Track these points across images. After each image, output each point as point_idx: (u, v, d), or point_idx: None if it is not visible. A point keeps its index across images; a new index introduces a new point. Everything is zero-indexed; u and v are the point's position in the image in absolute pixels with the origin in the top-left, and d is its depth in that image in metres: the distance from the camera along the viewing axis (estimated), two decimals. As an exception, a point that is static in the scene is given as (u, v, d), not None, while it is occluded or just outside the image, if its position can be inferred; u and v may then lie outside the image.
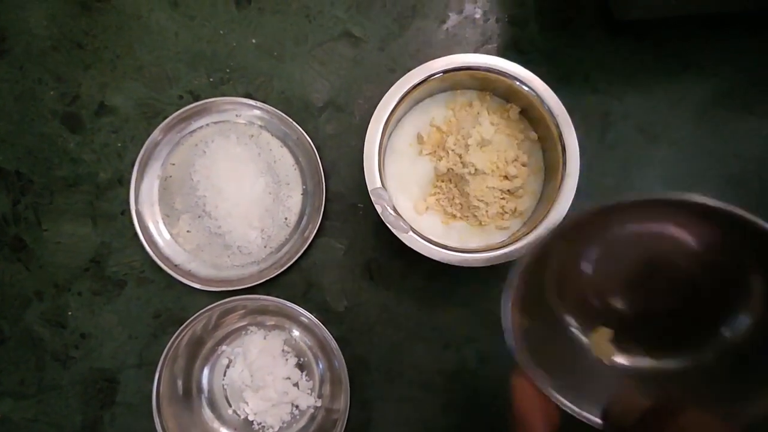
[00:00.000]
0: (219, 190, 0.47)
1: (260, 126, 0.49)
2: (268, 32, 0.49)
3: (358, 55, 0.49)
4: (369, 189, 0.42)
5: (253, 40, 0.49)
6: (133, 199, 0.47)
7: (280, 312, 0.46)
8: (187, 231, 0.48)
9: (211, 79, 0.49)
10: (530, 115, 0.46)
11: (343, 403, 0.44)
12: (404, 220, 0.42)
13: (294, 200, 0.48)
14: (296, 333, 0.48)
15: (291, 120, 0.47)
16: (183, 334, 0.44)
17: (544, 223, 0.42)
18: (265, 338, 0.47)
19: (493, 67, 0.43)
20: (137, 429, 0.47)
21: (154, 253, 0.46)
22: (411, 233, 0.42)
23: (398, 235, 0.42)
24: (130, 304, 0.48)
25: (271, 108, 0.47)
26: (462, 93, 0.47)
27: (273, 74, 0.49)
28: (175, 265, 0.47)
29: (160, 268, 0.46)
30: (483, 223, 0.46)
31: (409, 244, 0.42)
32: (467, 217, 0.46)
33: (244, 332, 0.48)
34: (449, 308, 0.48)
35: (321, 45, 0.49)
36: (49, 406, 0.47)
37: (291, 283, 0.48)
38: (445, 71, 0.43)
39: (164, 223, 0.48)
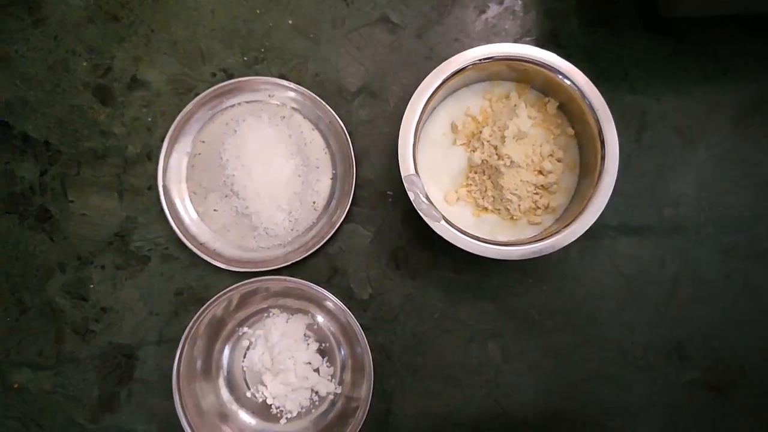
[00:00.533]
0: (248, 170, 0.46)
1: (293, 108, 0.48)
2: (305, 13, 0.49)
3: (395, 41, 0.49)
4: (402, 175, 0.42)
5: (290, 21, 0.49)
6: (161, 175, 0.46)
7: (304, 295, 0.46)
8: (214, 210, 0.47)
9: (245, 58, 0.48)
10: (568, 109, 0.45)
11: (365, 391, 0.44)
12: (436, 208, 0.42)
13: (323, 184, 0.48)
14: (320, 317, 0.47)
15: (324, 103, 0.47)
16: (205, 313, 0.44)
17: (579, 220, 0.42)
18: (287, 321, 0.47)
19: (534, 58, 0.43)
20: (153, 406, 0.46)
21: (179, 230, 0.46)
22: (443, 222, 0.42)
23: (430, 224, 0.41)
24: (152, 281, 0.47)
25: (306, 90, 0.47)
26: (499, 84, 0.47)
27: (308, 56, 0.48)
28: (201, 244, 0.46)
29: (185, 246, 0.46)
30: (515, 218, 0.45)
31: (440, 233, 0.41)
32: (499, 210, 0.45)
33: (266, 314, 0.47)
34: (475, 302, 0.47)
35: (358, 29, 0.49)
36: (67, 379, 0.47)
37: (316, 267, 0.47)
38: (485, 60, 0.43)
39: (191, 200, 0.47)
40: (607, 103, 0.42)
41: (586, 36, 0.49)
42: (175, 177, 0.47)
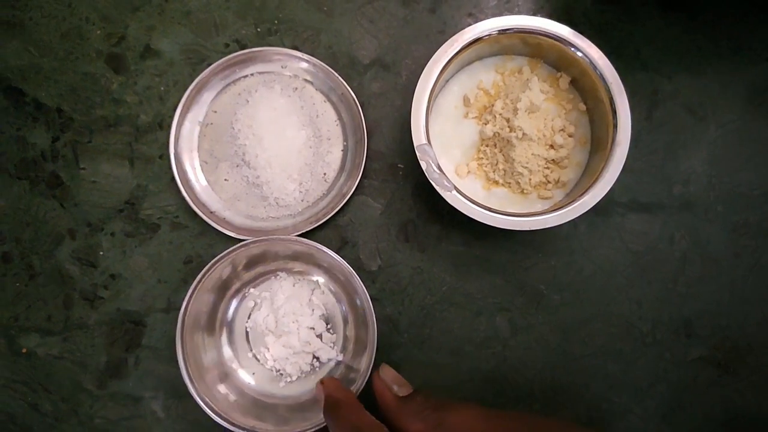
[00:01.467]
0: (260, 140, 0.46)
1: (305, 80, 0.48)
2: (319, -14, 0.49)
3: (408, 14, 0.49)
4: (415, 145, 0.42)
5: (304, -7, 0.49)
6: (173, 143, 0.46)
7: (312, 259, 0.46)
8: (225, 179, 0.47)
9: (259, 30, 0.49)
10: (581, 85, 0.45)
11: (365, 362, 0.43)
12: (448, 178, 0.42)
13: (334, 156, 0.48)
14: (326, 283, 0.47)
15: (337, 75, 0.47)
16: (213, 268, 0.43)
17: (590, 192, 0.42)
18: (294, 285, 0.47)
19: (548, 31, 0.43)
20: (160, 373, 0.47)
21: (190, 198, 0.46)
22: (454, 192, 0.42)
23: (441, 193, 0.41)
24: (161, 248, 0.47)
25: (318, 62, 0.47)
26: (512, 59, 0.47)
27: (321, 28, 0.49)
28: (211, 212, 0.46)
29: (194, 215, 0.46)
30: (525, 192, 0.45)
31: (451, 203, 0.41)
32: (509, 183, 0.45)
33: (273, 277, 0.47)
34: (484, 275, 0.47)
35: (371, 2, 0.49)
36: (75, 345, 0.47)
37: (326, 238, 0.47)
38: (499, 32, 0.43)
39: (202, 169, 0.47)
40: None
41: (599, 13, 0.49)
42: (187, 146, 0.47)
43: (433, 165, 0.42)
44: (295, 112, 0.47)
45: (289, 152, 0.47)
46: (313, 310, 0.46)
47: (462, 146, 0.46)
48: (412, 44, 0.48)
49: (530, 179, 0.45)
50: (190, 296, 0.43)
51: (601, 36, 0.48)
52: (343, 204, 0.46)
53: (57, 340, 0.47)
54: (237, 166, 0.47)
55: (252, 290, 0.47)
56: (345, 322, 0.47)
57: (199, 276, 0.43)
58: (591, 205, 0.41)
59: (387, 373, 0.41)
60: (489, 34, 0.43)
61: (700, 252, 0.47)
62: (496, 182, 0.46)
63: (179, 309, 0.43)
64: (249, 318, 0.47)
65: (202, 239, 0.47)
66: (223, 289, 0.46)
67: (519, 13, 0.49)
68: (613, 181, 0.41)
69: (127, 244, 0.47)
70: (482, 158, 0.46)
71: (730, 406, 0.46)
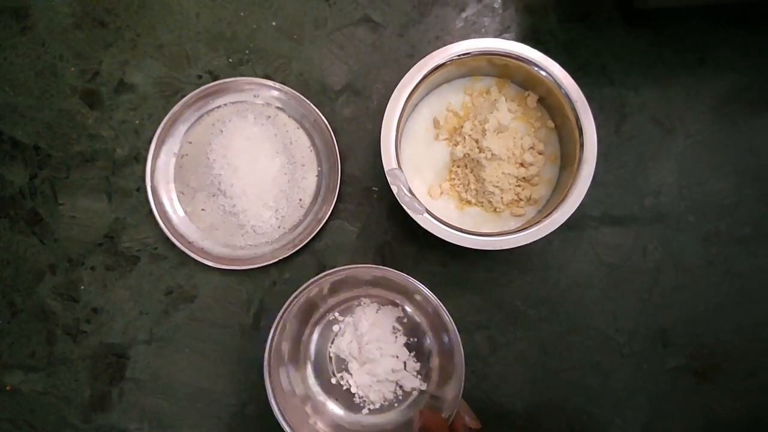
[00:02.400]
0: (235, 169, 0.47)
1: (277, 107, 0.49)
2: (288, 15, 0.49)
3: (377, 40, 0.49)
4: (385, 169, 0.42)
5: (273, 23, 0.49)
6: (149, 175, 0.47)
7: (393, 285, 0.45)
8: (202, 209, 0.48)
9: (230, 60, 0.49)
10: (548, 103, 0.46)
11: (453, 390, 0.42)
12: (419, 201, 0.42)
13: (309, 181, 0.48)
14: (409, 309, 0.47)
15: (308, 101, 0.47)
16: (297, 298, 0.42)
17: (560, 209, 0.42)
18: (377, 312, 0.47)
19: (513, 53, 0.44)
20: (145, 405, 0.47)
21: (168, 229, 0.46)
22: (426, 215, 0.42)
23: (413, 216, 0.42)
24: (142, 280, 0.48)
25: (289, 89, 0.48)
26: (480, 79, 0.47)
27: (292, 57, 0.49)
28: (189, 242, 0.47)
29: (173, 245, 0.47)
30: (498, 210, 0.46)
31: (423, 225, 0.42)
32: (482, 203, 0.46)
33: (357, 303, 0.47)
34: (462, 294, 0.48)
35: (340, 29, 0.49)
36: (59, 380, 0.47)
37: (303, 264, 0.48)
38: (464, 55, 0.44)
39: (179, 200, 0.48)
40: (587, 97, 0.43)
41: (564, 31, 0.49)
42: (163, 178, 0.48)
43: (404, 188, 0.42)
44: (268, 139, 0.48)
45: (264, 180, 0.47)
46: (396, 337, 0.46)
47: (434, 168, 0.47)
48: (381, 69, 0.49)
49: (502, 198, 0.45)
50: (275, 329, 0.42)
51: (568, 53, 0.49)
52: (320, 229, 0.47)
53: (41, 376, 0.47)
54: (213, 195, 0.48)
55: (336, 315, 0.47)
56: (430, 352, 0.47)
57: (283, 307, 0.42)
58: (561, 222, 0.42)
59: (461, 403, 0.41)
60: (456, 57, 0.44)
61: (673, 262, 0.47)
62: (469, 202, 0.46)
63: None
64: (332, 343, 0.47)
65: (182, 270, 0.48)
66: (306, 318, 0.46)
67: (486, 34, 0.50)
68: (582, 198, 0.42)
69: (107, 277, 0.48)
70: (454, 179, 0.46)
71: (708, 413, 0.47)
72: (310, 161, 0.49)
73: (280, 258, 0.46)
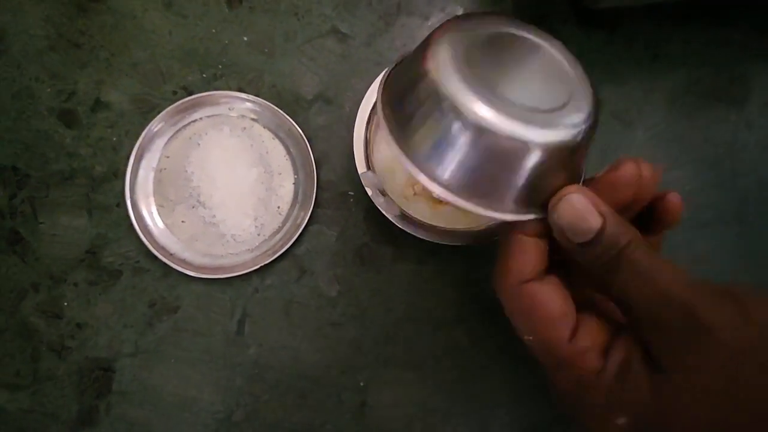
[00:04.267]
0: (213, 180, 0.48)
1: (252, 119, 0.50)
2: (259, 30, 0.51)
3: (345, 50, 0.51)
4: (359, 173, 0.44)
5: (245, 38, 0.51)
6: (128, 191, 0.48)
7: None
8: (182, 221, 0.49)
9: (204, 75, 0.51)
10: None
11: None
12: (393, 201, 0.44)
13: (286, 189, 0.50)
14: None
15: (281, 112, 0.49)
16: None
17: (528, 202, 0.44)
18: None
19: (475, 56, 0.46)
20: (132, 417, 0.47)
21: (149, 242, 0.47)
22: (400, 215, 0.44)
23: (388, 216, 0.44)
24: (125, 294, 0.48)
25: (263, 101, 0.49)
26: (446, 83, 0.49)
27: (264, 69, 0.51)
28: (171, 254, 0.48)
29: (155, 258, 0.47)
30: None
31: (399, 225, 0.44)
32: (454, 201, 0.48)
33: None
34: (440, 290, 0.49)
35: (310, 41, 0.51)
36: (45, 397, 0.47)
37: (284, 269, 0.49)
38: (430, 60, 0.46)
39: (159, 213, 0.49)
40: (549, 95, 0.45)
41: (524, 34, 0.52)
42: (143, 192, 0.49)
43: (378, 191, 0.44)
44: (245, 150, 0.49)
45: (242, 189, 0.49)
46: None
47: (405, 171, 0.48)
48: (351, 77, 0.51)
49: (473, 195, 0.47)
50: None
51: (529, 55, 0.51)
52: (299, 234, 0.48)
53: (27, 395, 0.47)
54: (193, 207, 0.49)
55: None
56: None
57: None
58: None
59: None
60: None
61: (639, 249, 0.49)
62: (441, 202, 0.48)
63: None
64: None
65: (165, 281, 0.49)
66: None
67: (450, 40, 0.52)
68: (548, 191, 0.44)
69: (90, 292, 0.48)
70: (426, 179, 0.48)
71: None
72: (286, 169, 0.50)
73: (262, 264, 0.47)
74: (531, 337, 0.31)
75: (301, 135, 0.49)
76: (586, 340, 0.29)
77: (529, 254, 0.31)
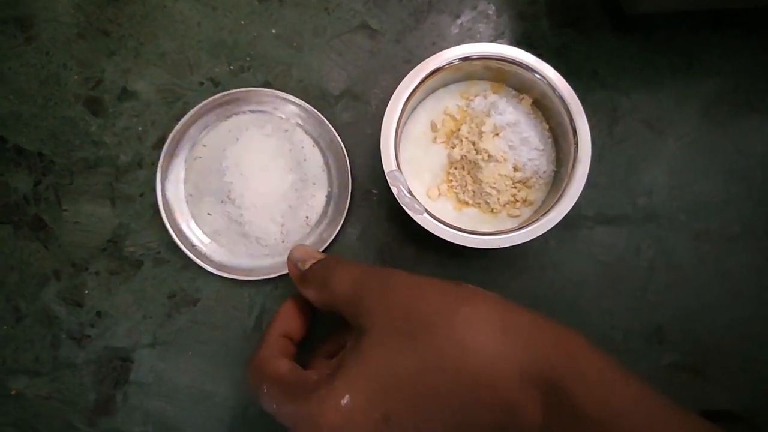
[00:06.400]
0: (246, 180, 0.47)
1: (296, 123, 0.49)
2: (287, 23, 0.51)
3: (374, 46, 0.51)
4: (386, 171, 0.43)
5: (273, 31, 0.51)
6: (159, 177, 0.47)
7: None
8: (208, 213, 0.49)
9: (232, 67, 0.50)
10: (543, 105, 0.47)
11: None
12: (419, 201, 0.43)
13: (318, 200, 0.49)
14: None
15: (328, 123, 0.48)
16: None
17: (556, 208, 0.43)
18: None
19: (508, 57, 0.45)
20: (149, 408, 0.47)
21: (173, 230, 0.47)
22: (425, 215, 0.43)
23: (413, 216, 0.43)
24: (145, 284, 0.48)
25: (310, 107, 0.48)
26: (475, 83, 0.49)
27: (292, 63, 0.50)
28: (192, 246, 0.48)
29: (176, 249, 0.47)
30: (495, 211, 0.47)
31: (423, 225, 0.43)
32: (479, 204, 0.47)
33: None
34: (460, 293, 0.48)
35: (339, 36, 0.51)
36: (63, 384, 0.48)
37: (305, 266, 0.49)
38: (462, 59, 0.45)
39: (186, 202, 0.48)
40: (579, 100, 0.44)
41: (556, 37, 0.51)
42: (173, 178, 0.48)
43: (404, 190, 0.44)
44: (283, 155, 0.48)
45: (274, 194, 0.48)
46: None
47: (432, 170, 0.48)
48: (379, 74, 0.50)
49: (498, 199, 0.46)
50: None
51: (560, 58, 0.50)
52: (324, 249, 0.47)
53: (45, 381, 0.48)
54: (221, 202, 0.48)
55: None
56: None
57: None
58: (557, 221, 0.43)
59: (295, 252, 0.41)
60: (452, 62, 0.45)
61: (666, 260, 0.49)
62: (467, 203, 0.47)
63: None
64: None
65: (185, 273, 0.49)
66: None
67: (481, 39, 0.51)
68: (577, 197, 0.43)
69: (111, 281, 0.48)
70: (452, 180, 0.48)
71: (703, 407, 0.47)
72: (321, 180, 0.49)
73: (282, 273, 0.47)
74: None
75: (342, 149, 0.48)
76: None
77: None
